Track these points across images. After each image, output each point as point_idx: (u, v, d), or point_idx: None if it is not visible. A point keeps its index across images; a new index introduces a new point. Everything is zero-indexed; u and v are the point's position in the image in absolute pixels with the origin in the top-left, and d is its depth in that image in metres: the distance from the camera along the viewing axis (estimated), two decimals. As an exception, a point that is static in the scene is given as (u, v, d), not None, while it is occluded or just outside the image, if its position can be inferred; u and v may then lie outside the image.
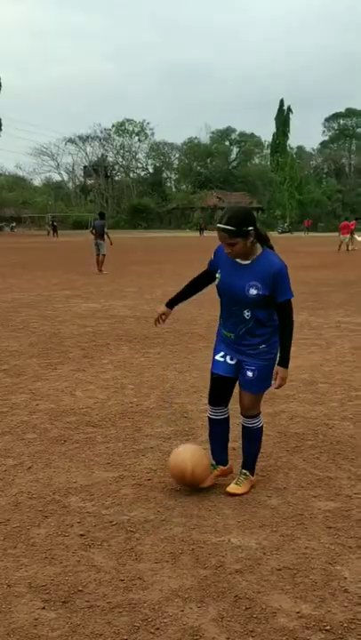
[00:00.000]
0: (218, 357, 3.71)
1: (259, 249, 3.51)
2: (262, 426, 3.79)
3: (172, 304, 3.90)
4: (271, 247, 3.58)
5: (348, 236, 32.35)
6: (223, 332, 3.70)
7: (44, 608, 2.60)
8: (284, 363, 3.56)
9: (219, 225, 3.40)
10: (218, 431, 3.83)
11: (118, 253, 25.60)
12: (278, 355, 3.59)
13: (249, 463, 3.78)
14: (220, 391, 3.74)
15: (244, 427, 3.77)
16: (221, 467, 3.88)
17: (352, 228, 32.68)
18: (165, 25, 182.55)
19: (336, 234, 36.20)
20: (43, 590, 2.72)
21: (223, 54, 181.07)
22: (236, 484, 3.73)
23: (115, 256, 21.60)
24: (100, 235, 18.87)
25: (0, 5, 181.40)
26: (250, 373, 3.59)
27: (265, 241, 3.54)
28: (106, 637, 2.41)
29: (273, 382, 3.62)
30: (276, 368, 3.59)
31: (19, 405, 5.43)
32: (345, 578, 2.82)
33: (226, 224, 3.36)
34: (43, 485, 3.81)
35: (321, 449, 4.42)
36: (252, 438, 3.76)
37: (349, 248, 31.67)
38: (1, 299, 12.76)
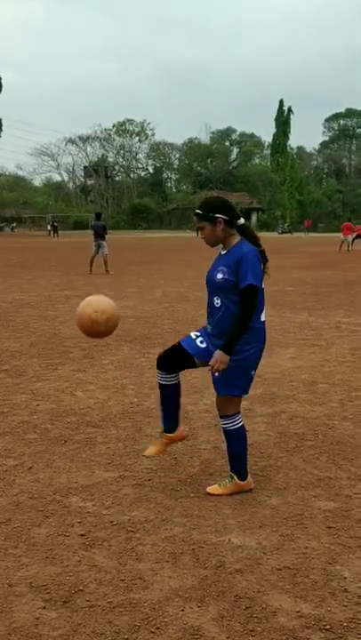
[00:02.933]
0: (191, 333, 3.75)
1: (237, 239, 3.62)
2: (240, 426, 3.68)
3: None
4: (259, 245, 3.62)
5: (350, 236, 32.39)
6: (207, 323, 3.74)
7: (44, 607, 2.60)
8: (225, 347, 3.43)
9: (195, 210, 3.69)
10: (165, 395, 3.78)
11: (119, 254, 25.59)
12: (251, 358, 3.56)
13: (234, 465, 3.72)
14: (171, 357, 3.70)
15: (221, 428, 3.79)
16: (168, 434, 3.83)
17: (354, 229, 32.83)
18: (166, 25, 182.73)
19: (338, 234, 36.18)
20: (43, 590, 2.73)
21: (224, 54, 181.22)
22: (218, 484, 3.72)
23: (115, 256, 21.60)
24: (100, 235, 18.90)
25: (0, 5, 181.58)
26: (216, 372, 3.57)
27: (252, 238, 3.62)
28: (107, 637, 2.42)
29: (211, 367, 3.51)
30: (216, 352, 3.47)
31: (19, 406, 5.44)
32: (345, 577, 2.83)
33: (197, 208, 3.65)
34: (43, 485, 3.82)
35: (321, 449, 4.43)
36: (230, 439, 3.71)
37: (350, 248, 31.67)
38: (1, 299, 12.76)
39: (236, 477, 3.70)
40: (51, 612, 2.57)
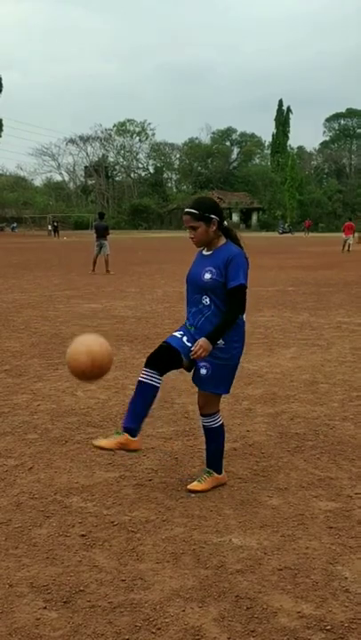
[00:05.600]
0: (175, 333, 3.70)
1: (222, 241, 3.68)
2: (221, 424, 3.76)
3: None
4: (242, 247, 3.71)
5: (351, 236, 32.38)
6: (186, 323, 3.74)
7: (45, 608, 2.60)
8: (210, 336, 3.47)
9: (185, 209, 3.65)
10: (144, 393, 3.53)
11: (119, 254, 25.60)
12: (237, 357, 3.65)
13: (212, 462, 3.78)
14: (161, 356, 3.56)
15: (202, 426, 3.81)
16: (127, 435, 3.51)
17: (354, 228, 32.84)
18: (166, 25, 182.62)
19: (339, 234, 36.18)
20: (44, 590, 2.73)
21: (225, 54, 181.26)
22: (198, 481, 3.75)
23: (115, 257, 21.61)
24: (102, 235, 18.91)
25: (0, 5, 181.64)
26: (203, 370, 3.60)
27: (235, 240, 3.70)
28: (107, 637, 2.42)
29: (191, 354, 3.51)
30: (199, 340, 3.48)
31: (20, 406, 5.44)
32: (346, 578, 2.82)
33: (190, 207, 3.62)
34: (44, 486, 3.82)
35: (322, 449, 4.43)
36: (211, 437, 3.76)
37: (350, 249, 31.66)
38: (2, 299, 12.77)
39: (213, 472, 3.77)
40: (51, 613, 2.57)
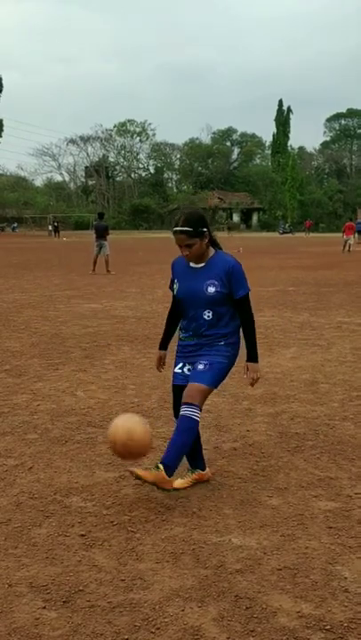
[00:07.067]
0: (176, 370, 3.76)
1: (212, 251, 3.66)
2: (198, 420, 3.51)
3: (163, 346, 3.95)
4: (221, 249, 3.72)
5: (352, 236, 32.36)
6: (182, 337, 3.74)
7: (44, 608, 2.60)
8: (253, 357, 3.63)
9: (175, 228, 3.50)
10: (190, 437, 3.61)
11: (120, 254, 25.61)
12: (235, 357, 3.66)
13: (168, 454, 3.47)
14: (180, 403, 3.61)
15: (180, 415, 3.53)
16: (199, 470, 3.81)
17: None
18: (166, 25, 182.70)
19: (339, 234, 36.17)
20: (44, 590, 2.73)
21: (225, 54, 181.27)
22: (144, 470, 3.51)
23: (116, 257, 21.62)
24: (102, 236, 18.92)
25: (0, 5, 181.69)
26: (201, 366, 3.58)
27: (216, 244, 3.70)
28: (106, 637, 2.42)
29: (245, 376, 3.68)
30: (246, 364, 3.64)
31: (20, 406, 5.44)
32: (345, 578, 2.82)
33: (183, 226, 3.48)
34: (44, 485, 3.82)
35: (322, 449, 4.43)
36: (184, 428, 3.48)
37: (350, 249, 31.65)
38: (3, 299, 12.77)
39: (162, 467, 3.43)
40: (51, 613, 2.57)
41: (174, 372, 3.78)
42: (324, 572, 2.87)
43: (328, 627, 2.47)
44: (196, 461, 3.82)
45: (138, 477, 3.42)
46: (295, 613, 2.55)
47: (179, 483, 3.72)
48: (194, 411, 3.50)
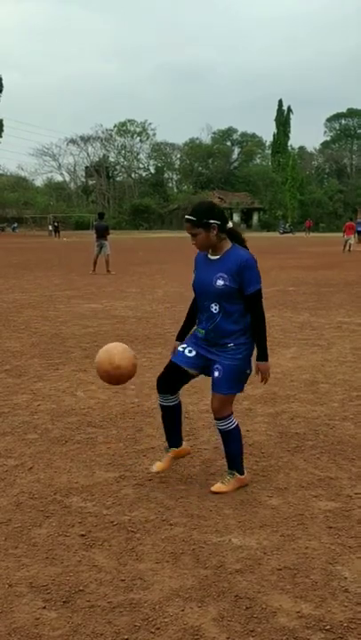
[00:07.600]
0: (180, 348, 3.80)
1: (228, 244, 3.65)
2: (236, 426, 3.73)
3: (181, 337, 3.96)
4: (247, 247, 3.72)
5: (352, 236, 32.35)
6: (197, 329, 3.77)
7: (44, 608, 2.60)
8: (263, 356, 3.63)
9: (185, 216, 3.66)
10: (167, 417, 3.85)
11: (120, 254, 25.61)
12: (247, 357, 3.65)
13: (233, 463, 3.76)
14: (168, 378, 3.76)
15: (218, 430, 3.78)
16: (174, 449, 3.91)
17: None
18: (166, 25, 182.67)
19: (340, 234, 36.17)
20: (44, 590, 2.73)
21: (225, 54, 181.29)
22: (222, 482, 3.74)
23: (116, 257, 21.62)
24: (103, 236, 18.92)
25: (0, 5, 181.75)
26: (216, 373, 3.61)
27: (240, 241, 3.69)
28: (106, 637, 2.42)
29: (256, 377, 3.71)
30: (257, 363, 3.65)
31: (20, 406, 5.44)
32: (345, 578, 2.82)
33: (189, 214, 3.60)
34: (44, 486, 3.82)
35: (322, 449, 4.43)
36: (229, 440, 3.73)
37: (350, 249, 31.64)
38: (3, 299, 12.77)
39: (236, 473, 3.75)
40: (51, 613, 2.57)
41: (177, 349, 3.81)
42: (324, 571, 2.87)
43: (328, 627, 2.47)
44: (174, 438, 3.90)
45: (218, 492, 3.67)
46: (295, 613, 2.56)
47: (158, 465, 3.88)
48: (227, 423, 3.70)
